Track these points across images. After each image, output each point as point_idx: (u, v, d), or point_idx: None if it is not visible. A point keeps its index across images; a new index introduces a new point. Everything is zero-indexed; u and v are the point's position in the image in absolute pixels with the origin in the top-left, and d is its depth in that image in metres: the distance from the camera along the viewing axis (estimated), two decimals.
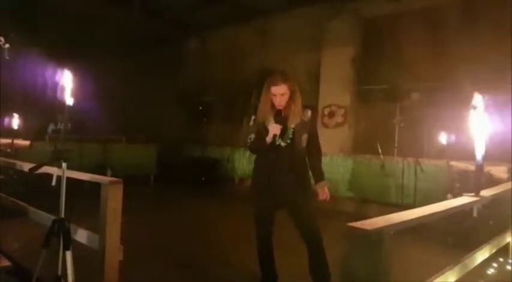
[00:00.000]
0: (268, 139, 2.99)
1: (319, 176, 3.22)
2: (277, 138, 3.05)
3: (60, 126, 2.83)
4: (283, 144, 3.07)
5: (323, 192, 3.17)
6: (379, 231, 1.52)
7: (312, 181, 3.23)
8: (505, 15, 6.09)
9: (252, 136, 3.19)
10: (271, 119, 3.08)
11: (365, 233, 1.50)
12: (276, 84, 3.01)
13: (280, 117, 3.06)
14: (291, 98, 3.06)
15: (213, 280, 3.79)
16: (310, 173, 3.23)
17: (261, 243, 3.30)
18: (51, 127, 7.34)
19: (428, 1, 7.28)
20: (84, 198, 3.71)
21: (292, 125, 3.08)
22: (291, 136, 3.08)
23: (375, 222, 1.58)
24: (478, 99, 2.77)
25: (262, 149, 3.15)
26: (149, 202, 7.45)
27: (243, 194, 8.48)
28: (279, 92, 3.01)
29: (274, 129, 2.98)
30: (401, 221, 1.67)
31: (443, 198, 4.94)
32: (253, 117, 3.19)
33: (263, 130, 3.09)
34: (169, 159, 10.11)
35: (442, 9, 7.02)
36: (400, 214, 1.79)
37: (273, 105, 3.09)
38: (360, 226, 1.54)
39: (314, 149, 3.22)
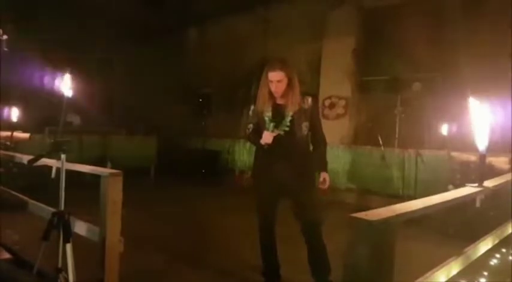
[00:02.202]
0: (262, 142, 2.99)
1: (322, 166, 3.18)
2: (268, 119, 3.05)
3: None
4: (281, 132, 3.03)
5: (323, 182, 3.13)
6: (384, 222, 1.49)
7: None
8: (506, 5, 6.04)
9: (251, 126, 3.17)
10: (269, 110, 3.06)
11: (369, 224, 1.47)
12: (273, 70, 2.98)
13: (277, 109, 3.06)
14: (289, 85, 3.02)
15: (214, 271, 3.78)
16: (312, 161, 3.20)
17: (263, 233, 3.28)
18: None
19: None
20: (84, 190, 3.69)
21: (290, 113, 3.04)
22: (288, 124, 3.03)
23: (379, 213, 1.55)
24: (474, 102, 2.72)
25: (258, 144, 3.13)
26: (150, 194, 7.45)
27: (243, 186, 8.51)
28: (276, 78, 2.98)
29: (266, 137, 2.96)
30: (406, 211, 1.64)
31: (444, 189, 4.91)
32: (252, 107, 3.17)
33: (261, 121, 3.07)
34: (169, 151, 10.08)
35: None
36: (405, 204, 1.76)
37: (270, 93, 3.05)
38: (363, 217, 1.51)
39: (317, 137, 3.19)
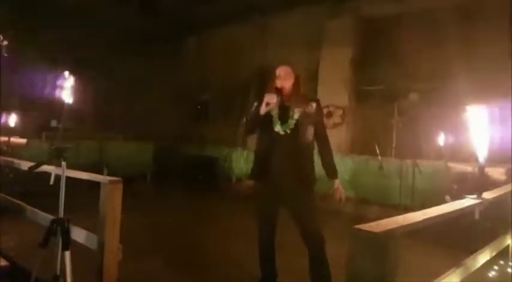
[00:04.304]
0: (262, 110, 2.92)
1: (332, 173, 3.12)
2: (274, 115, 3.02)
3: (59, 124, 2.81)
4: (282, 132, 3.00)
5: (336, 192, 3.06)
6: (388, 234, 1.49)
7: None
8: (504, 17, 6.10)
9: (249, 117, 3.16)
10: (276, 108, 3.03)
11: (373, 236, 1.47)
12: (280, 65, 3.06)
13: (283, 109, 3.03)
14: (295, 85, 3.06)
15: (212, 279, 3.77)
16: (314, 169, 3.13)
17: (262, 242, 3.22)
18: (53, 123, 7.31)
19: (428, 2, 7.28)
20: (80, 197, 3.68)
21: (295, 114, 3.02)
22: (292, 126, 3.00)
23: (382, 225, 1.56)
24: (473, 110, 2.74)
25: (256, 125, 3.08)
26: (146, 200, 7.41)
27: (240, 193, 8.50)
28: (283, 73, 3.02)
29: (269, 97, 2.92)
30: (409, 223, 1.65)
31: (441, 199, 4.95)
32: (255, 104, 3.12)
33: (267, 117, 3.03)
34: (166, 157, 10.07)
35: (440, 10, 7.02)
36: (407, 216, 1.78)
37: (277, 93, 3.01)
38: (367, 228, 1.51)
39: (323, 143, 3.15)
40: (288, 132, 3.00)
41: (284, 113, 3.03)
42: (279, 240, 3.29)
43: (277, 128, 3.01)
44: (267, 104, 2.90)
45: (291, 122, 3.01)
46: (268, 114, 3.02)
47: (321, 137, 3.14)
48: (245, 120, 3.20)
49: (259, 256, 3.26)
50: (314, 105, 3.09)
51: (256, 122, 3.05)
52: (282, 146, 2.99)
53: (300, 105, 3.03)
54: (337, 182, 3.10)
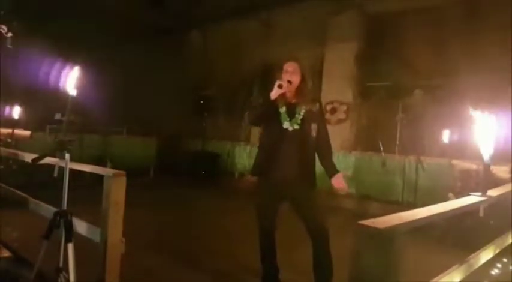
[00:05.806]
0: (274, 93, 2.96)
1: (333, 168, 3.12)
2: (282, 113, 3.06)
3: (63, 117, 2.79)
4: (290, 128, 3.06)
5: (338, 182, 3.05)
6: (392, 230, 1.48)
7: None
8: (508, 14, 6.06)
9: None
10: (283, 105, 3.09)
11: (377, 232, 1.46)
12: (288, 60, 3.12)
13: (290, 107, 3.09)
14: (301, 82, 3.11)
15: (214, 274, 3.77)
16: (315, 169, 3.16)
17: (263, 237, 3.24)
18: (57, 116, 7.29)
19: None
20: (83, 189, 3.68)
21: (301, 111, 3.08)
22: (299, 122, 3.06)
23: (386, 221, 1.55)
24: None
25: (264, 113, 3.10)
26: (149, 195, 7.41)
27: (243, 189, 8.50)
28: (290, 68, 3.07)
29: (280, 81, 2.98)
30: (414, 219, 1.64)
31: (444, 196, 4.92)
32: (261, 100, 3.18)
33: (275, 114, 3.08)
34: (169, 152, 10.08)
35: (445, 7, 6.97)
36: (411, 212, 1.76)
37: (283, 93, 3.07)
38: (371, 224, 1.50)
39: (324, 141, 3.18)
40: (296, 128, 3.05)
41: (291, 110, 3.09)
42: (281, 234, 3.29)
43: (286, 125, 3.07)
44: (280, 86, 2.94)
45: (298, 118, 3.07)
46: (276, 111, 3.08)
47: (323, 135, 3.18)
48: (248, 112, 3.23)
49: (260, 251, 3.28)
50: (317, 105, 3.19)
51: (264, 109, 3.08)
52: (290, 142, 3.05)
53: (306, 103, 3.11)
54: (340, 174, 3.09)
